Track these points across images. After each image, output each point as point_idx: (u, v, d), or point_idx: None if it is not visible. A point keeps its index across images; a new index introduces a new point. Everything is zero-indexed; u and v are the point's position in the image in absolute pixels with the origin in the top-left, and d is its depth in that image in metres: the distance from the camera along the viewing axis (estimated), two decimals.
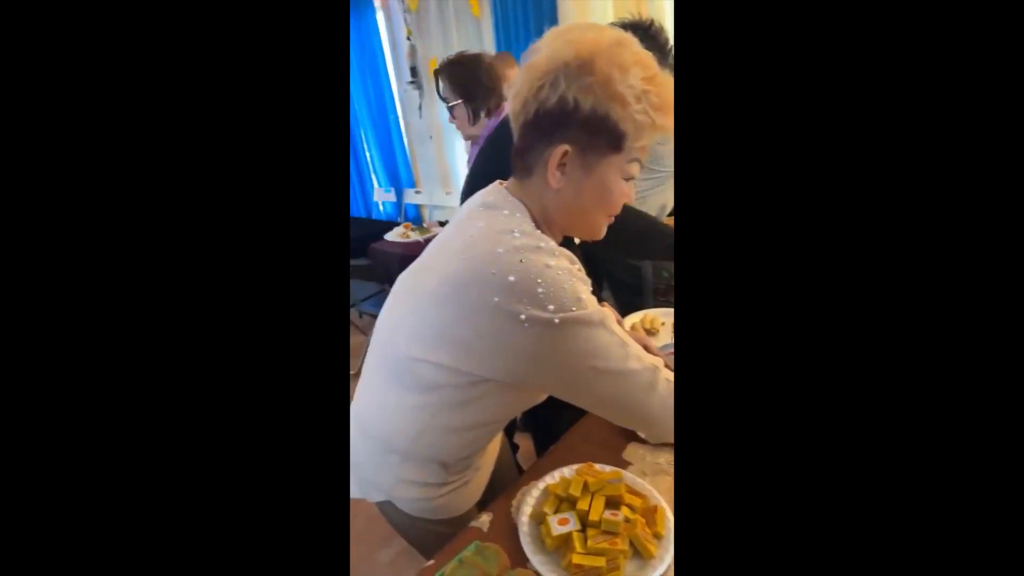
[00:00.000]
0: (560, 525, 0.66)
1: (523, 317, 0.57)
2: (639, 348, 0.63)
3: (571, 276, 0.59)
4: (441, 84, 1.54)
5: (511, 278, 0.57)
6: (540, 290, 0.57)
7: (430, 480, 0.75)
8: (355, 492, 0.80)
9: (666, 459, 0.83)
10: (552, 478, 0.77)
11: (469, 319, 0.60)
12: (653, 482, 0.76)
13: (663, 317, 1.24)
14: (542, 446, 1.41)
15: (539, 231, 0.63)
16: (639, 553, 0.65)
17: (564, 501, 0.70)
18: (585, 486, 0.70)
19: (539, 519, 0.71)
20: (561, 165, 0.63)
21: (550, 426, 1.45)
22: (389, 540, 1.56)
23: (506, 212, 0.64)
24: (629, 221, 1.03)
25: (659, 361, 0.64)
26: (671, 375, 0.64)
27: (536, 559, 0.65)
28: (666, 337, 1.18)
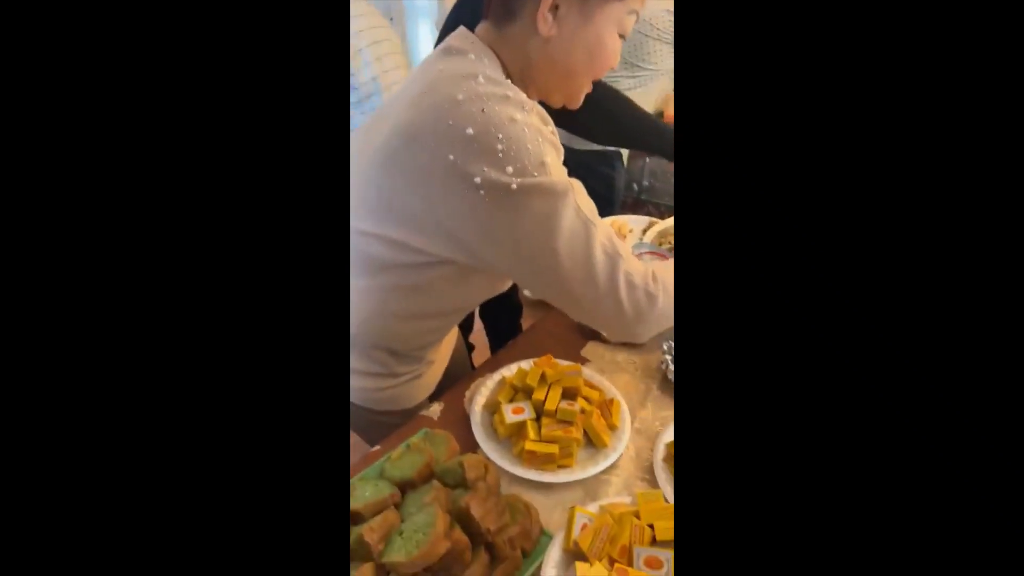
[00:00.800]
0: (514, 414, 0.64)
1: (478, 180, 0.48)
2: (607, 231, 0.55)
3: (538, 136, 0.50)
4: None
5: (469, 131, 0.47)
6: (500, 147, 0.48)
7: (378, 371, 0.69)
8: None
9: (624, 357, 0.81)
10: (509, 371, 0.73)
11: (420, 184, 0.51)
12: (611, 379, 0.75)
13: (632, 223, 1.19)
14: (498, 346, 1.40)
15: (510, 83, 0.54)
16: (592, 443, 0.64)
17: (520, 391, 0.68)
18: (543, 377, 0.67)
19: (493, 409, 0.68)
20: (554, 8, 0.52)
21: (507, 325, 1.43)
22: None
23: (472, 56, 0.54)
24: (620, 104, 0.93)
25: (624, 251, 0.56)
26: (635, 268, 0.56)
27: (487, 446, 0.63)
28: (632, 241, 1.14)
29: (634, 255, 0.77)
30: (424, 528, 0.45)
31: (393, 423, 0.73)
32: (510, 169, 0.48)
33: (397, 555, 0.44)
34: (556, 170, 0.51)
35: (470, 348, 1.31)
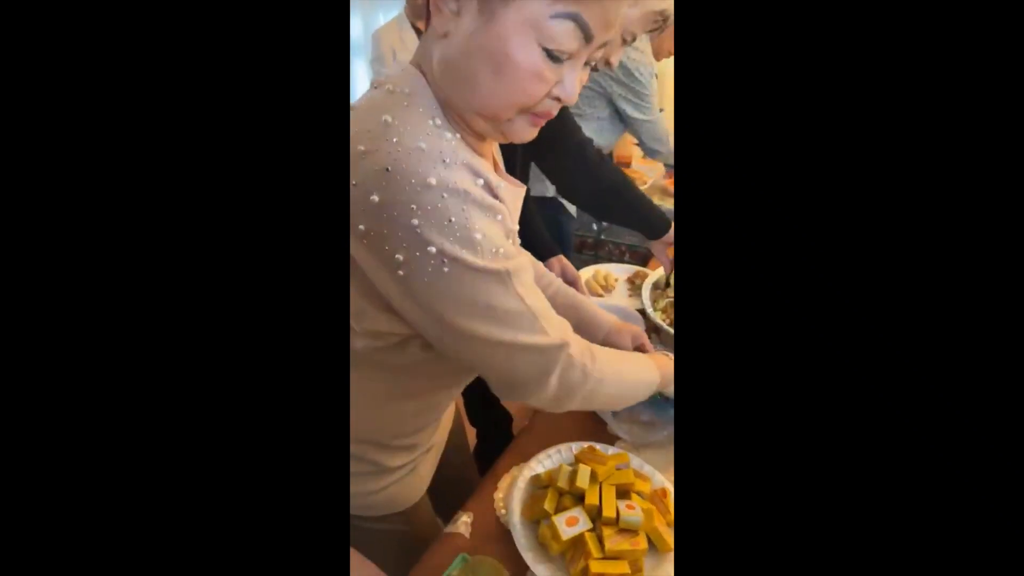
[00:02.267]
0: (568, 526, 0.55)
1: (399, 257, 0.40)
2: (550, 322, 0.47)
3: (462, 202, 0.40)
4: None
5: (374, 198, 0.38)
6: (415, 221, 0.39)
7: (368, 470, 0.58)
8: None
9: (650, 416, 0.76)
10: (541, 465, 0.65)
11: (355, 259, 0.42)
12: (646, 458, 0.69)
13: (616, 272, 1.17)
14: (489, 450, 1.30)
15: (441, 122, 0.43)
16: (654, 546, 0.57)
17: (566, 495, 0.60)
18: (592, 476, 0.59)
19: (536, 517, 0.59)
20: None
21: (498, 427, 1.35)
22: None
23: (388, 88, 0.44)
24: (585, 155, 0.92)
25: (563, 335, 0.48)
26: (575, 350, 0.48)
27: (541, 569, 0.54)
28: (621, 295, 1.11)
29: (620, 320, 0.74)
30: None
31: (393, 530, 0.62)
32: (432, 249, 0.39)
33: None
34: (488, 245, 0.41)
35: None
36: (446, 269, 0.40)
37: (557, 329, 0.47)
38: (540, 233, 1.15)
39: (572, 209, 1.43)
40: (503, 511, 0.62)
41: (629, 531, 0.55)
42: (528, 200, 1.18)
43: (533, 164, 1.06)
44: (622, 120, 1.42)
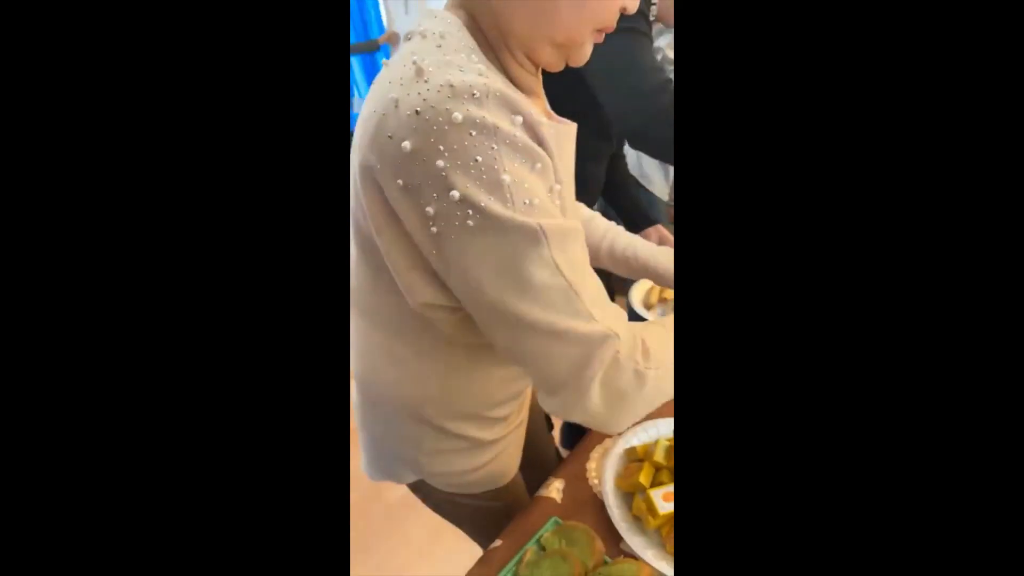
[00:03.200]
0: (666, 501, 0.53)
1: (429, 211, 0.37)
2: (593, 296, 0.40)
3: (491, 141, 0.36)
4: None
5: (406, 144, 0.36)
6: (441, 163, 0.36)
7: (465, 446, 0.58)
8: (374, 475, 0.63)
9: None
10: (636, 438, 0.63)
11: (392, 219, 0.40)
12: None
13: None
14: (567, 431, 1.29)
15: (476, 57, 0.40)
16: None
17: (663, 470, 0.57)
18: None
19: (630, 490, 0.57)
20: None
21: None
22: (431, 525, 1.30)
23: (422, 32, 0.41)
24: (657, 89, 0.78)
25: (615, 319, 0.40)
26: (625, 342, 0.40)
27: (636, 542, 0.52)
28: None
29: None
30: None
31: (494, 507, 0.63)
32: (455, 194, 0.36)
33: None
34: (520, 193, 0.37)
35: (550, 426, 1.18)
36: (470, 222, 0.36)
37: (606, 316, 0.39)
38: (636, 200, 1.09)
39: (662, 193, 1.32)
40: (595, 480, 0.61)
41: None
42: (623, 165, 1.13)
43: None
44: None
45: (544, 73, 0.48)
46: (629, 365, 0.39)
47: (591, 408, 0.40)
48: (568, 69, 0.45)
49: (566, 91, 0.72)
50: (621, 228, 0.74)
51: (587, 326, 0.38)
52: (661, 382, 0.42)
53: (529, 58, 0.43)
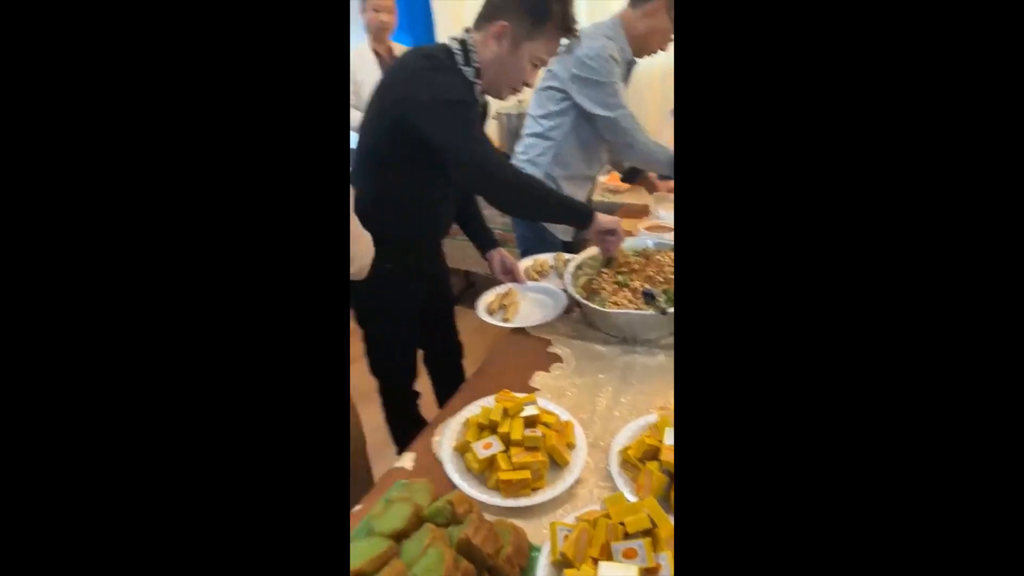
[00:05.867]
0: (484, 449, 0.70)
1: None
2: None
3: None
4: None
5: None
6: None
7: None
8: None
9: (569, 383, 0.91)
10: (471, 411, 0.80)
11: None
12: (559, 403, 0.84)
13: (551, 260, 1.32)
14: (443, 388, 1.43)
15: None
16: (556, 463, 0.72)
17: (485, 428, 0.74)
18: (504, 412, 0.74)
19: (463, 450, 0.74)
20: None
21: (449, 367, 1.47)
22: None
23: None
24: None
25: None
26: None
27: (463, 484, 0.69)
28: (553, 279, 1.27)
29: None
30: (434, 567, 0.50)
31: None
32: None
33: None
34: None
35: (416, 396, 1.34)
36: None
37: None
38: (481, 229, 1.30)
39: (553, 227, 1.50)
40: (437, 448, 0.76)
41: (533, 448, 0.70)
42: (470, 204, 1.34)
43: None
44: (588, 120, 1.35)
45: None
46: None
47: None
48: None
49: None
50: None
51: None
52: None
53: None
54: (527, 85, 1.03)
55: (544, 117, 1.41)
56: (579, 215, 1.07)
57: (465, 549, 0.53)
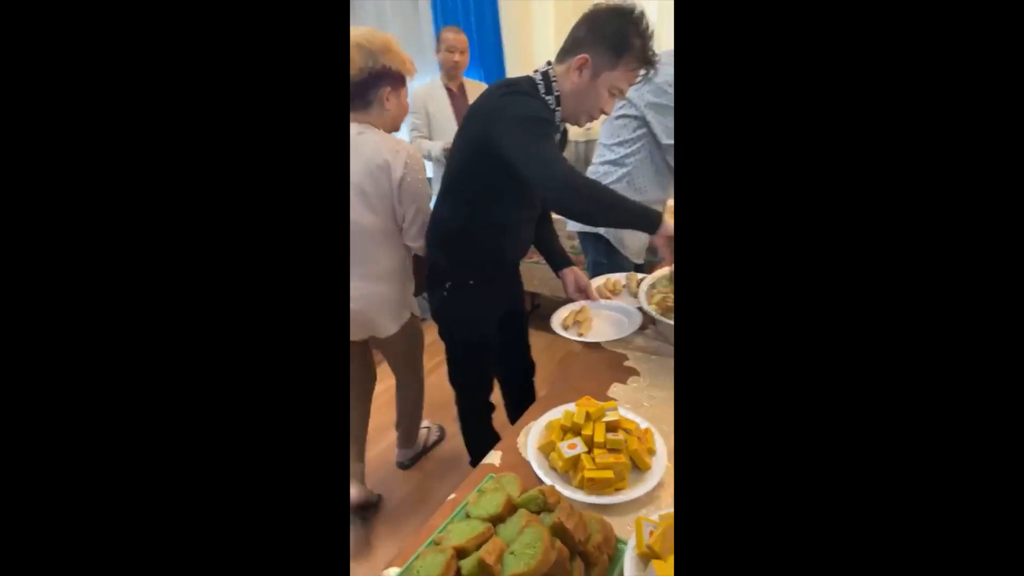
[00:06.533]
0: (569, 449, 0.75)
1: None
2: None
3: None
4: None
5: None
6: None
7: None
8: None
9: (646, 395, 0.94)
10: (553, 415, 0.85)
11: None
12: (636, 412, 0.87)
13: (623, 280, 1.37)
14: (515, 402, 1.49)
15: None
16: (637, 467, 0.75)
17: (568, 431, 0.79)
18: (587, 416, 0.79)
19: (547, 450, 0.79)
20: None
21: (523, 380, 1.53)
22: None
23: None
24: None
25: None
26: None
27: (549, 480, 0.73)
28: (626, 297, 1.31)
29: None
30: (533, 543, 0.55)
31: None
32: None
33: (516, 568, 0.53)
34: None
35: (491, 408, 1.40)
36: None
37: None
38: (557, 249, 1.37)
39: (623, 247, 1.57)
40: (522, 448, 0.82)
41: (615, 450, 0.74)
42: (545, 223, 1.41)
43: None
44: (659, 147, 1.43)
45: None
46: None
47: None
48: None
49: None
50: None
51: None
52: None
53: None
54: (604, 112, 1.09)
55: (618, 144, 1.48)
56: (649, 219, 1.05)
57: (559, 532, 0.58)
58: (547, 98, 1.06)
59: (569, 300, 1.29)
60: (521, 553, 0.55)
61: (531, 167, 1.00)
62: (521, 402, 1.55)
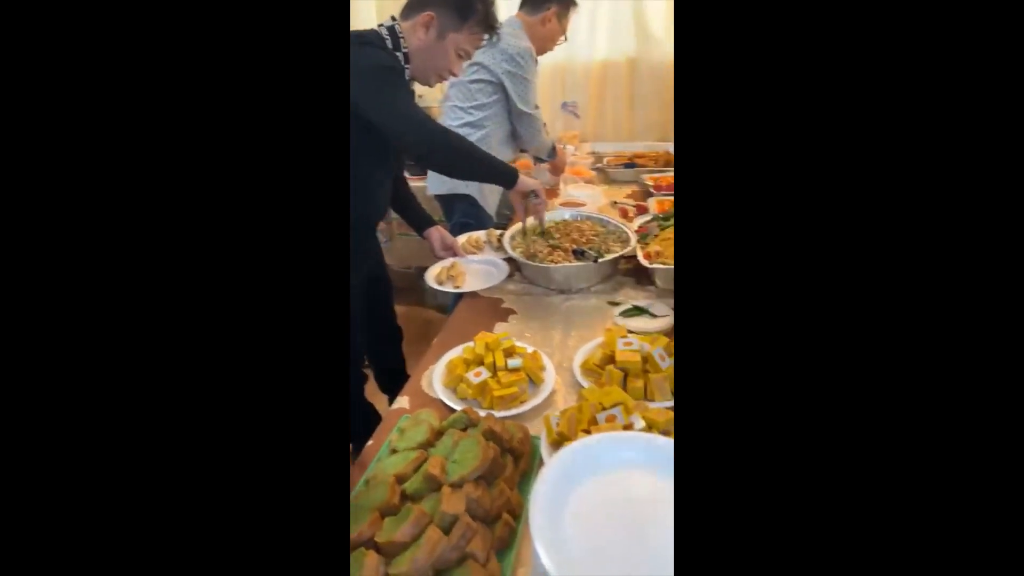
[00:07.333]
0: (475, 377, 0.83)
1: None
2: None
3: None
4: None
5: None
6: None
7: None
8: None
9: (526, 327, 1.07)
10: (451, 355, 0.92)
11: None
12: (522, 340, 0.99)
13: (483, 237, 1.47)
14: (384, 374, 1.50)
15: None
16: (533, 381, 0.87)
17: (471, 363, 0.87)
18: (487, 346, 0.87)
19: (454, 384, 0.86)
20: None
21: (391, 351, 1.53)
22: None
23: None
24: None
25: None
26: None
27: (459, 405, 0.81)
28: (489, 251, 1.41)
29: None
30: (471, 448, 0.62)
31: None
32: None
33: (462, 470, 0.60)
34: None
35: (364, 378, 1.39)
36: None
37: None
38: (418, 210, 1.40)
39: (487, 206, 1.66)
40: (428, 388, 0.87)
41: (514, 371, 0.84)
42: (403, 185, 1.42)
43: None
44: (509, 112, 1.56)
45: None
46: None
47: None
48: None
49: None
50: None
51: None
52: None
53: None
54: (452, 74, 1.14)
55: (476, 108, 1.55)
56: (510, 174, 1.16)
57: (490, 436, 0.66)
58: (396, 54, 1.06)
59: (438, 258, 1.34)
60: (462, 459, 0.62)
61: (397, 123, 1.01)
62: (391, 368, 1.56)
